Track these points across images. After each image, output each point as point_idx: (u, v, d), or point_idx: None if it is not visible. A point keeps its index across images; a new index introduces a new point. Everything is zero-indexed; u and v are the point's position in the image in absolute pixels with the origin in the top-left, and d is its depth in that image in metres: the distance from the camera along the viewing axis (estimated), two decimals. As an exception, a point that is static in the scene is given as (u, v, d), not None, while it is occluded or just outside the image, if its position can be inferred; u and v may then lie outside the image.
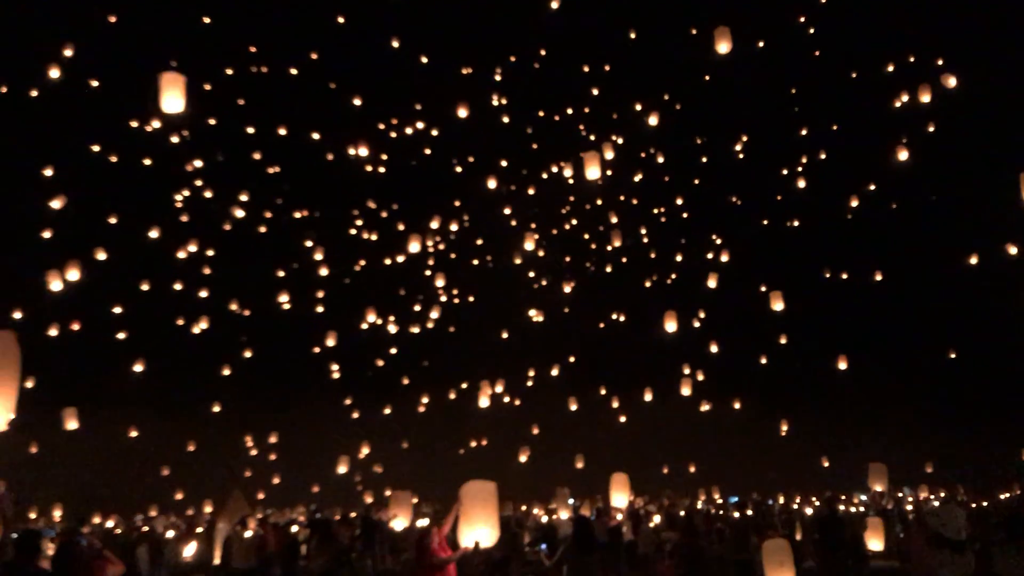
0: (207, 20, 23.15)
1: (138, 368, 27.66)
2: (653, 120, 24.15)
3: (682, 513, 20.56)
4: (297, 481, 35.67)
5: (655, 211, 33.30)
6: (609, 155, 19.98)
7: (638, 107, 26.34)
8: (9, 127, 24.93)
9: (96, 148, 25.61)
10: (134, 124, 25.29)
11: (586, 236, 33.72)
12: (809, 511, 30.35)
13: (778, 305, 24.22)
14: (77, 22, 23.16)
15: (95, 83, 23.85)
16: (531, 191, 31.09)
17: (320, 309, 32.26)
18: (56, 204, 22.80)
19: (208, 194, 28.06)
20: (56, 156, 24.21)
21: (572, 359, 35.43)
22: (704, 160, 32.44)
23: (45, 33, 22.52)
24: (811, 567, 13.58)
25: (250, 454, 34.31)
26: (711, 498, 35.12)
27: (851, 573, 12.51)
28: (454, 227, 31.17)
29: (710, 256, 31.24)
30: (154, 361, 27.99)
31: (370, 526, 19.10)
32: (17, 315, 24.75)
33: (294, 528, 21.24)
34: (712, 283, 27.94)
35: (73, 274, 20.87)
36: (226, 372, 30.98)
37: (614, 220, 29.37)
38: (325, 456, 32.66)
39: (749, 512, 21.05)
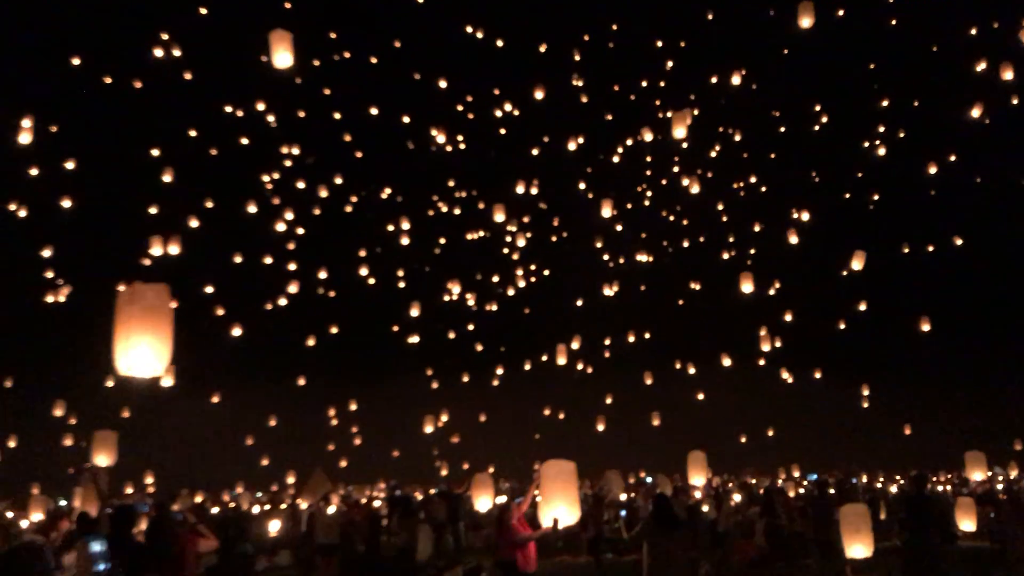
0: (288, 4, 23.64)
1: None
2: (729, 94, 23.79)
3: (762, 491, 20.31)
4: (377, 455, 36.27)
5: (735, 186, 32.80)
6: (680, 132, 19.65)
7: (714, 80, 25.93)
8: (118, 114, 26.55)
9: (194, 132, 26.58)
10: (229, 109, 26.45)
11: (664, 212, 33.59)
12: (894, 489, 29.73)
13: (858, 264, 23.51)
14: (172, 15, 24.11)
15: (189, 75, 24.61)
16: (608, 167, 30.96)
17: (402, 285, 33.01)
18: (162, 180, 23.89)
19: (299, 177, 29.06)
20: (159, 139, 25.42)
21: (648, 335, 35.15)
22: (782, 133, 31.82)
23: (145, 24, 23.74)
24: (896, 547, 13.28)
25: (331, 424, 34.96)
26: (791, 476, 34.62)
27: (939, 554, 12.13)
28: (533, 206, 31.40)
29: (789, 228, 30.64)
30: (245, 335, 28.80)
31: (452, 502, 19.28)
32: (120, 287, 25.35)
33: (376, 504, 21.63)
34: (792, 244, 27.31)
35: (174, 248, 21.80)
36: (311, 343, 31.65)
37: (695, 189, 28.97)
38: (405, 430, 33.14)
39: (831, 491, 20.67)
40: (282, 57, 13.87)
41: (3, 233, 26.03)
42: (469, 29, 25.54)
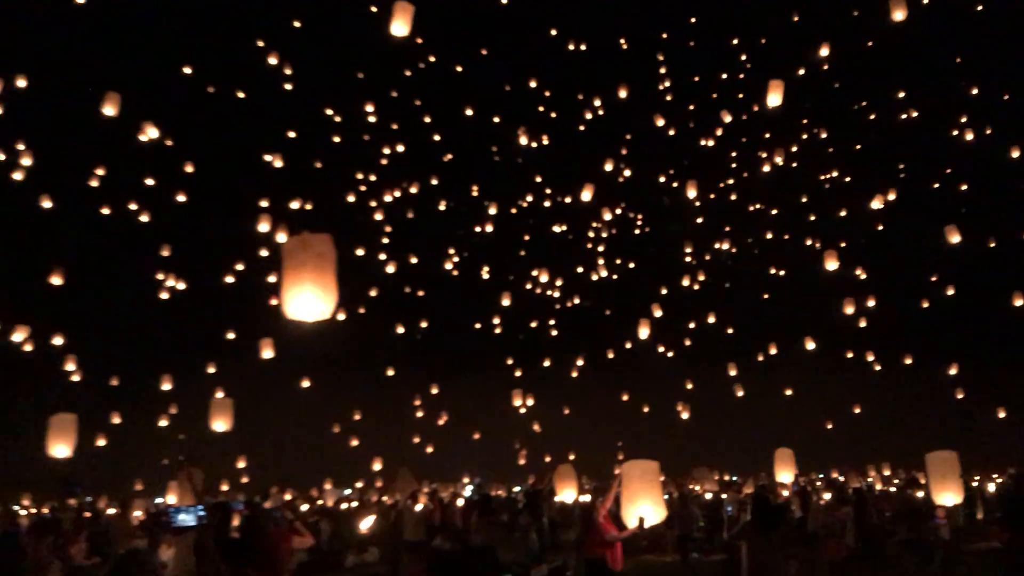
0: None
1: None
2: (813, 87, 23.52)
3: (852, 489, 19.81)
4: (460, 451, 36.64)
5: (820, 177, 32.27)
6: (775, 100, 19.46)
7: (801, 72, 25.58)
8: (228, 119, 27.83)
9: (293, 134, 27.42)
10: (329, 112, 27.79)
11: (749, 205, 33.29)
12: (991, 487, 28.72)
13: (953, 238, 22.73)
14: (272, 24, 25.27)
15: (290, 85, 25.79)
16: (691, 159, 31.12)
17: (486, 276, 33.65)
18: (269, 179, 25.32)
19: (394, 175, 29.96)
20: (267, 142, 26.42)
21: (730, 330, 34.75)
22: (868, 125, 31.20)
23: (249, 32, 24.83)
24: (996, 549, 12.79)
25: (417, 416, 35.47)
26: (881, 472, 33.76)
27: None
28: (617, 199, 31.69)
29: (874, 213, 30.08)
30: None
31: (534, 499, 19.31)
32: (230, 279, 28.06)
33: (459, 501, 21.80)
34: (879, 231, 26.70)
35: (282, 236, 22.77)
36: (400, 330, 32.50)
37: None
38: (488, 425, 33.44)
39: (919, 494, 20.04)
40: (399, 27, 14.52)
41: (124, 232, 27.25)
42: (553, 32, 26.16)
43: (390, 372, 33.52)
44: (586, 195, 25.40)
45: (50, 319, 25.35)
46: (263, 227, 23.04)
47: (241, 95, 26.44)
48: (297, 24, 24.90)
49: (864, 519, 14.85)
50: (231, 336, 28.79)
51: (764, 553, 8.37)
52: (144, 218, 25.82)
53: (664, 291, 32.07)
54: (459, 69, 28.22)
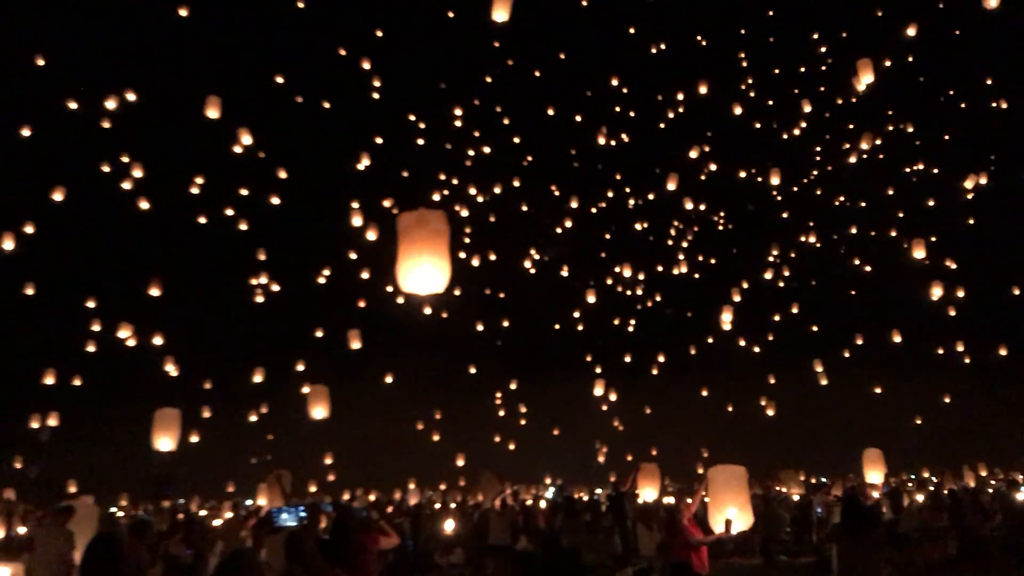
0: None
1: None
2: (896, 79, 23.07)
3: (947, 491, 19.20)
4: (542, 452, 36.68)
5: (907, 169, 31.50)
6: (868, 79, 19.14)
7: (887, 64, 25.06)
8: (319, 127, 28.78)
9: (380, 140, 28.27)
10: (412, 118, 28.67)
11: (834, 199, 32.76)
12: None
13: None
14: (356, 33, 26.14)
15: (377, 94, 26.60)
16: (773, 155, 30.68)
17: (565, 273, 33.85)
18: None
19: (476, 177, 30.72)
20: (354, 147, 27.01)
21: (815, 328, 34.06)
22: (957, 113, 30.32)
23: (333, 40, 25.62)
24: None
25: (498, 415, 35.67)
26: (978, 472, 32.56)
27: None
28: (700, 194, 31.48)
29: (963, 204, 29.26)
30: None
31: (618, 501, 19.19)
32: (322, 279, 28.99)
33: (542, 503, 21.82)
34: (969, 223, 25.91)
35: (372, 234, 24.01)
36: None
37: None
38: (570, 426, 33.39)
39: (1018, 495, 19.30)
40: (500, 13, 14.89)
41: (221, 237, 28.36)
42: (632, 30, 26.49)
43: (472, 370, 33.96)
44: (671, 185, 25.46)
45: (151, 321, 26.45)
46: (355, 221, 24.09)
47: (327, 105, 27.44)
48: (379, 34, 25.63)
49: (962, 522, 14.36)
50: (319, 334, 29.58)
51: (856, 556, 8.18)
52: (243, 226, 27.04)
53: (746, 285, 31.79)
54: (537, 74, 28.67)
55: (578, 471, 35.69)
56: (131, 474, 32.74)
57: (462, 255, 30.62)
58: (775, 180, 27.06)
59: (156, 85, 25.19)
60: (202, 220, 27.36)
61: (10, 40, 19.80)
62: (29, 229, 23.15)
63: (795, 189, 32.13)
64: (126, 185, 23.94)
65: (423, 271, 6.67)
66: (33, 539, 10.72)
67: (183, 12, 21.31)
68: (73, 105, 23.41)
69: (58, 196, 22.35)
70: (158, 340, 26.35)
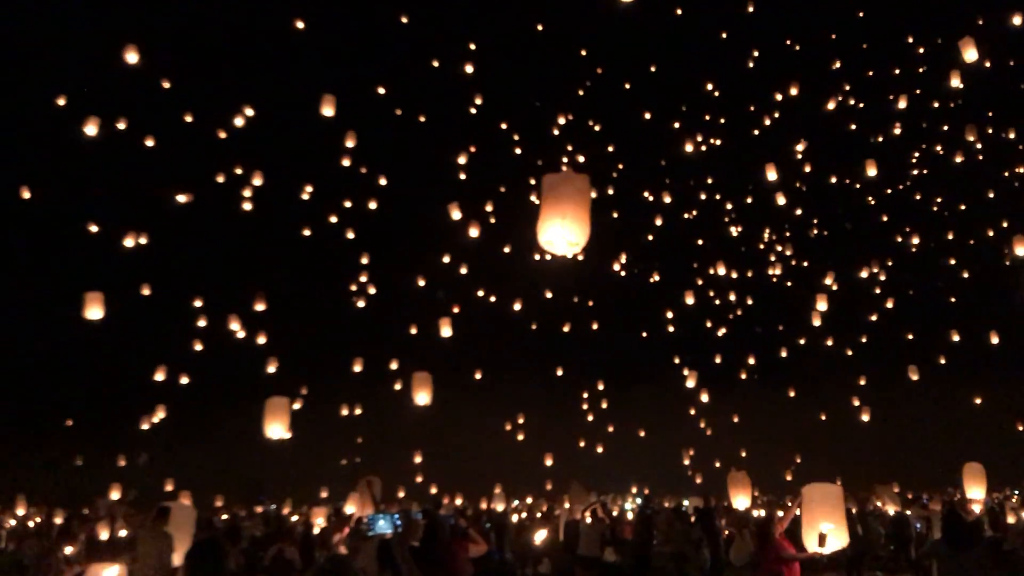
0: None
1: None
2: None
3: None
4: (627, 457, 36.52)
5: (1005, 173, 30.48)
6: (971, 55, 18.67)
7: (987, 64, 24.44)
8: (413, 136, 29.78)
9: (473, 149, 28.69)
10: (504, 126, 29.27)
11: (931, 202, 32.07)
12: None
13: None
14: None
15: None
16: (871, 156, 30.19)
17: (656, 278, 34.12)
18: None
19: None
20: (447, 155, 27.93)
21: (911, 336, 33.12)
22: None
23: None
24: None
25: (586, 419, 35.62)
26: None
27: None
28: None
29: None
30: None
31: (705, 514, 18.94)
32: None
33: (629, 514, 21.63)
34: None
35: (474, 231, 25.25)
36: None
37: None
38: (658, 434, 33.10)
39: None
40: None
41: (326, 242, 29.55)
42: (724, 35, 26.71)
43: (559, 372, 34.20)
44: (771, 175, 25.23)
45: (256, 324, 27.44)
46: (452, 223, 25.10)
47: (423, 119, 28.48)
48: (472, 47, 26.06)
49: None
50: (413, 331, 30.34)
51: (957, 574, 7.93)
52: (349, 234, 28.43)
53: (835, 288, 31.19)
54: (627, 86, 29.08)
55: (664, 479, 35.35)
56: (229, 477, 33.72)
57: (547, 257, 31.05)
58: (871, 183, 26.54)
59: (267, 96, 26.44)
60: (298, 224, 28.94)
61: (128, 52, 20.85)
62: (143, 239, 24.27)
63: (890, 192, 31.49)
64: (242, 192, 25.66)
65: (563, 230, 6.68)
66: (135, 541, 10.97)
67: (300, 24, 22.81)
68: (189, 118, 25.04)
69: (181, 199, 24.43)
70: (261, 340, 27.56)
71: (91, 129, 20.54)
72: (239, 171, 25.60)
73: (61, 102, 23.38)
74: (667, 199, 31.35)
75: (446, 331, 25.08)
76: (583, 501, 18.11)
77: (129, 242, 23.78)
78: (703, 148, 29.06)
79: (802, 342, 32.41)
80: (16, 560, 13.16)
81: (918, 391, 30.17)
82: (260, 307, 26.09)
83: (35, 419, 32.28)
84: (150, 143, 24.42)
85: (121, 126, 22.98)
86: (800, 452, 33.73)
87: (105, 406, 31.24)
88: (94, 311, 17.96)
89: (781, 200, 28.27)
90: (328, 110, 20.60)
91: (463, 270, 30.12)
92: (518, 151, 29.39)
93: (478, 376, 31.95)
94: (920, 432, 31.40)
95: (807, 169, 29.55)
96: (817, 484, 9.14)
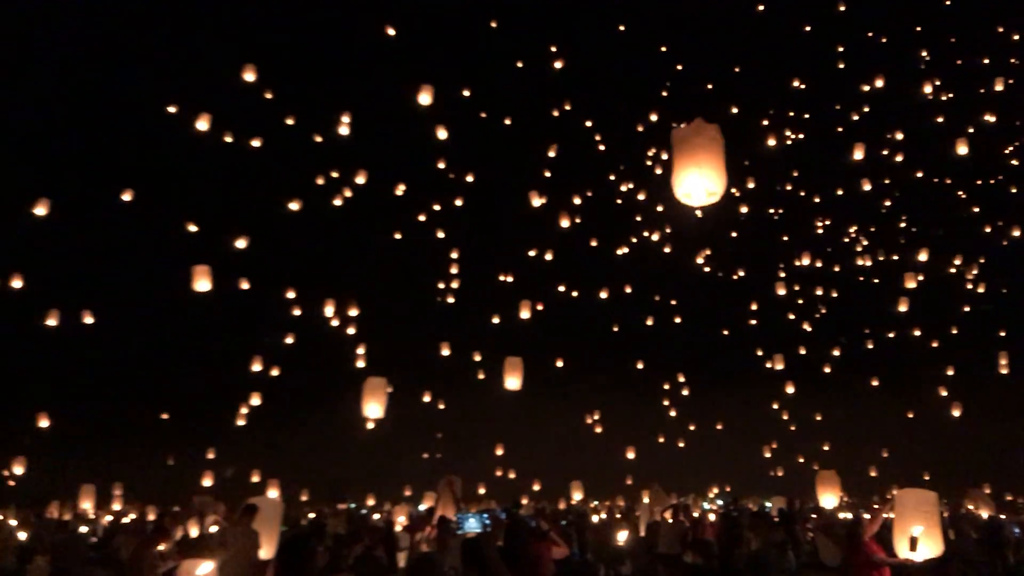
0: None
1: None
2: None
3: None
4: (708, 455, 36.15)
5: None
6: None
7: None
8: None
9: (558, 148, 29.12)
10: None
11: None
12: None
13: None
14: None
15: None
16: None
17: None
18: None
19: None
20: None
21: (1003, 333, 32.08)
22: None
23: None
24: None
25: (668, 415, 35.40)
26: None
27: None
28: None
29: None
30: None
31: (788, 516, 18.61)
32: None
33: (711, 516, 21.34)
34: None
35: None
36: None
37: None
38: (740, 431, 32.73)
39: None
40: None
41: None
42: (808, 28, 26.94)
43: (639, 365, 34.15)
44: (857, 154, 25.29)
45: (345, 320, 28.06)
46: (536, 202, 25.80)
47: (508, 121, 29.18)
48: (553, 49, 26.43)
49: None
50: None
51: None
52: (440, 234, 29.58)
53: (919, 278, 30.40)
54: (709, 87, 29.29)
55: (745, 478, 34.88)
56: (313, 474, 34.40)
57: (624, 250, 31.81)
58: (963, 176, 25.88)
59: (365, 102, 27.06)
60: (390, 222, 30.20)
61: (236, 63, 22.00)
62: (242, 242, 25.22)
63: (981, 184, 30.75)
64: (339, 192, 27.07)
65: (699, 180, 6.67)
66: (221, 536, 11.22)
67: (391, 31, 23.61)
68: (290, 121, 26.23)
69: (290, 204, 25.71)
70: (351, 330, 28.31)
71: (201, 126, 21.71)
72: (335, 174, 27.07)
73: (172, 109, 24.57)
74: (750, 191, 31.13)
75: (524, 313, 25.71)
76: (663, 503, 17.99)
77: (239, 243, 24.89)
78: (788, 142, 28.76)
79: (891, 335, 31.75)
80: (112, 555, 13.63)
81: (1011, 386, 29.21)
82: (353, 311, 27.00)
83: (132, 414, 33.34)
84: (256, 143, 25.82)
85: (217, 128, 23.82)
86: (887, 448, 32.91)
87: (198, 401, 32.12)
88: (202, 283, 18.58)
89: (867, 189, 27.90)
90: (425, 97, 21.32)
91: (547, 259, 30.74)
92: (602, 148, 29.91)
93: (559, 364, 31.94)
94: (1015, 430, 30.19)
95: (897, 159, 29.16)
96: (912, 490, 8.95)
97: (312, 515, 27.06)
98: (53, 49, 29.72)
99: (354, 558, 12.42)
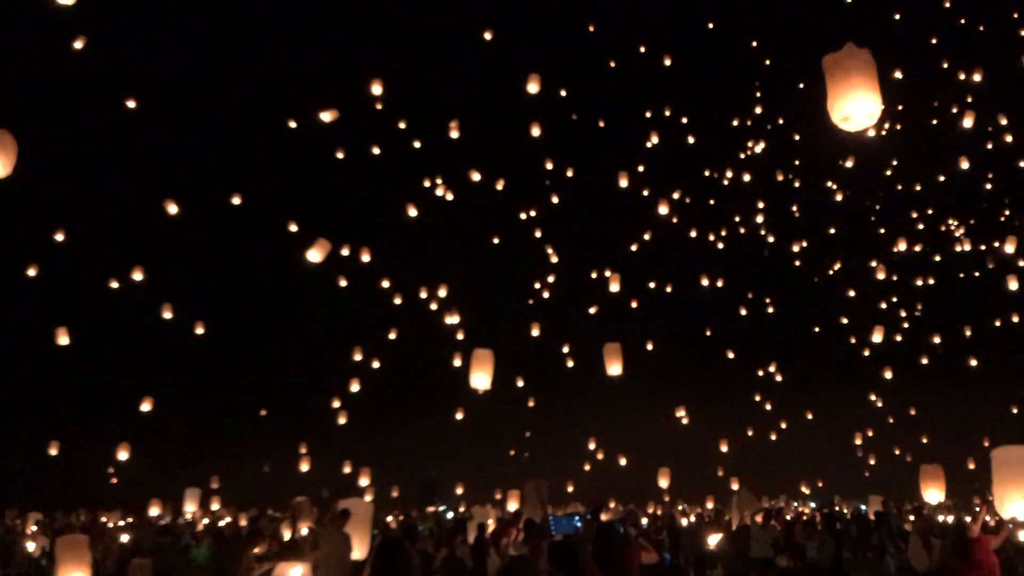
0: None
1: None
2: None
3: None
4: (802, 456, 35.45)
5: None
6: None
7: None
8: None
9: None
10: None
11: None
12: None
13: None
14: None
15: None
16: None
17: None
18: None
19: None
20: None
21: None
22: None
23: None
24: None
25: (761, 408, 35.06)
26: None
27: None
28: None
29: None
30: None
31: (884, 517, 18.20)
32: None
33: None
34: None
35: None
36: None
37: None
38: (834, 427, 32.12)
39: None
40: None
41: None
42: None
43: (730, 355, 34.30)
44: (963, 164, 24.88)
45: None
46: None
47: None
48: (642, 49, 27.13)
49: None
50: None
51: None
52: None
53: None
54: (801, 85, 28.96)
55: (840, 477, 34.05)
56: (405, 475, 34.80)
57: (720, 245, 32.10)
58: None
59: (464, 105, 28.05)
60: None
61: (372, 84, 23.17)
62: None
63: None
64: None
65: (856, 103, 6.63)
66: (313, 539, 11.42)
67: (488, 35, 24.22)
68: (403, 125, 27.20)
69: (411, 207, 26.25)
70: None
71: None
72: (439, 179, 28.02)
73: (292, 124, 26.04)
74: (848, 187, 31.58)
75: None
76: (753, 506, 17.71)
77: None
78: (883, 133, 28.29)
79: (996, 323, 30.89)
80: (211, 556, 14.00)
81: None
82: (454, 316, 27.43)
83: (234, 413, 34.30)
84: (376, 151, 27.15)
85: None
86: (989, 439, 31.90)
87: (296, 399, 32.83)
88: (314, 254, 19.25)
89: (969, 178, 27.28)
90: (534, 86, 22.14)
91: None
92: (691, 140, 29.97)
93: (650, 347, 31.84)
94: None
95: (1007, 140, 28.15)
96: (1009, 447, 8.70)
97: (401, 517, 27.37)
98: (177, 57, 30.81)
99: (441, 560, 12.54)
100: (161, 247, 28.00)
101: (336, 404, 29.65)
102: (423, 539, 14.49)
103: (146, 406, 24.92)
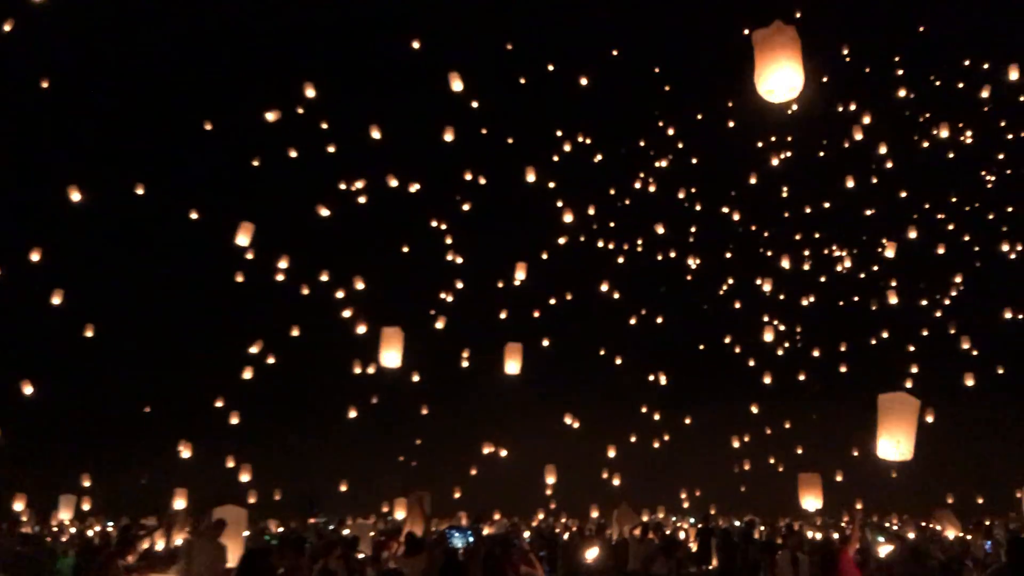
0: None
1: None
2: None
3: None
4: (682, 471, 36.08)
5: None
6: None
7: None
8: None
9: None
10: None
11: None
12: None
13: None
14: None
15: None
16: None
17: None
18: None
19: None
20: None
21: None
22: None
23: None
24: None
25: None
26: None
27: None
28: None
29: None
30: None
31: (747, 534, 18.61)
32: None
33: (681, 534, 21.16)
34: None
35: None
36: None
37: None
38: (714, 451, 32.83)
39: None
40: None
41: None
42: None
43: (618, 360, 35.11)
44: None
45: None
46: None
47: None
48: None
49: None
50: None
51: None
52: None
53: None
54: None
55: (715, 489, 35.00)
56: (285, 488, 33.99)
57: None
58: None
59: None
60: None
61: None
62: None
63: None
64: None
65: (781, 75, 7.12)
66: (187, 549, 11.09)
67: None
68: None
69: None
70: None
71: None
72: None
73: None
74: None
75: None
76: (632, 520, 17.95)
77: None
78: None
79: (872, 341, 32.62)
80: (76, 568, 13.41)
81: None
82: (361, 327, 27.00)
83: (113, 408, 33.07)
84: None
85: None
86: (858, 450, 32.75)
87: (182, 399, 31.96)
88: (242, 238, 20.47)
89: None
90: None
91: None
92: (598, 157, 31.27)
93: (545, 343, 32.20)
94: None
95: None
96: (891, 394, 9.21)
97: (280, 529, 26.70)
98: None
99: (316, 573, 12.28)
100: (56, 233, 26.75)
101: (219, 404, 28.93)
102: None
103: (27, 388, 23.90)
